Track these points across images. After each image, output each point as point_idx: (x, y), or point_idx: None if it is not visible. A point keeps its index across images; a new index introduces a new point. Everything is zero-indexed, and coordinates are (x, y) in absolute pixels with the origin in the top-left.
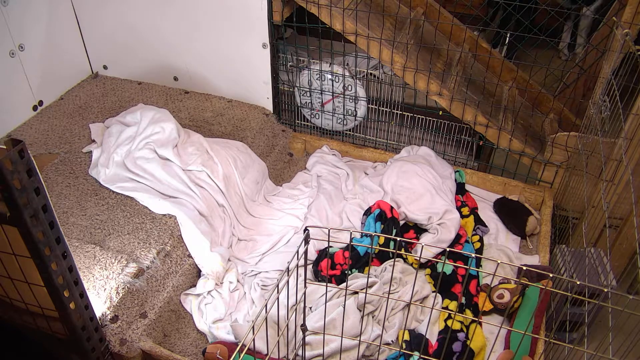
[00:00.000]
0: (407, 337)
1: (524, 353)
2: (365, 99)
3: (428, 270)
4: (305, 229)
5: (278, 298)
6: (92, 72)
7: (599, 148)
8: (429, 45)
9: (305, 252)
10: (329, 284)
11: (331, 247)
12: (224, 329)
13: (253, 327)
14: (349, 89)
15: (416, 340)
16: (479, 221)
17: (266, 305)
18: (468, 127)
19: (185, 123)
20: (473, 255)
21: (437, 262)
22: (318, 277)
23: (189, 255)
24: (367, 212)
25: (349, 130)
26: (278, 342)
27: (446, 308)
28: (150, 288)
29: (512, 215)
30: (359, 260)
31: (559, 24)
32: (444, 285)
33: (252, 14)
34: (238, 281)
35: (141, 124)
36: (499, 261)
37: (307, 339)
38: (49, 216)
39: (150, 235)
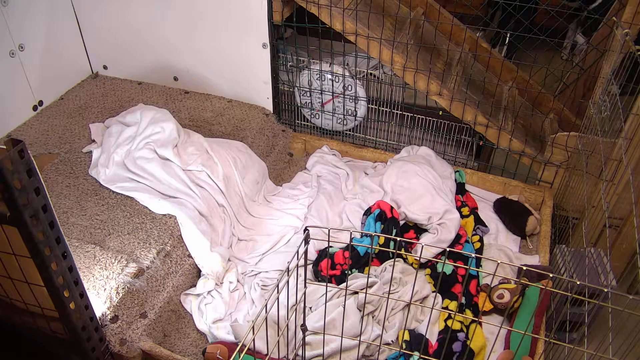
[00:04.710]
0: (407, 337)
1: (524, 353)
2: (365, 99)
3: (428, 270)
4: (305, 229)
5: (278, 298)
6: (92, 72)
7: (599, 148)
8: (429, 45)
9: (305, 252)
10: (329, 284)
11: (331, 247)
12: (224, 329)
13: (253, 327)
14: (349, 89)
15: (416, 340)
16: (479, 221)
17: (266, 305)
18: (468, 127)
19: (185, 123)
20: (473, 255)
21: (437, 262)
22: (318, 277)
23: (189, 255)
24: (367, 212)
25: (349, 130)
26: (278, 342)
27: (446, 308)
28: (150, 288)
29: (512, 215)
30: (359, 260)
31: (560, 24)
32: (444, 285)
33: (252, 14)
34: (238, 281)
35: (141, 124)
36: (499, 261)
37: (307, 339)
38: (49, 216)
39: (150, 235)
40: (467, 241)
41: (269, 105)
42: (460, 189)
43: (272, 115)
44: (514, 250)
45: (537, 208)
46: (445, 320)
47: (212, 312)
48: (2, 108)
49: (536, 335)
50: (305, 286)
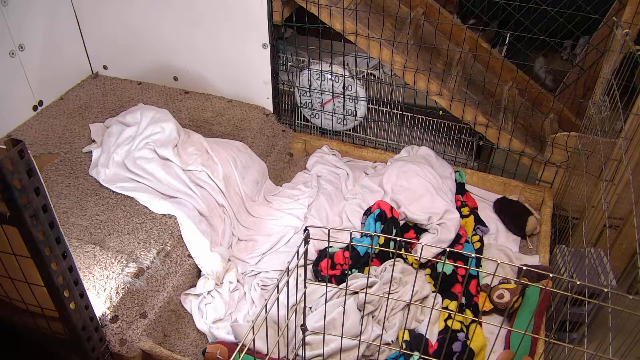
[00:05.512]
0: (407, 337)
1: (524, 353)
2: (365, 99)
3: (428, 270)
4: (305, 229)
5: (278, 298)
6: (92, 72)
7: (599, 148)
8: (429, 45)
9: (305, 252)
10: (329, 284)
11: (331, 247)
12: (224, 329)
13: (253, 327)
14: (349, 89)
15: (416, 340)
16: (479, 221)
17: (266, 305)
18: (468, 127)
19: (185, 123)
20: (473, 255)
21: (437, 262)
22: (318, 277)
23: (189, 255)
24: (367, 212)
25: (349, 130)
26: (278, 342)
27: (446, 308)
28: (150, 288)
29: (512, 215)
30: (359, 260)
31: (559, 24)
32: (444, 285)
33: (252, 14)
34: (238, 281)
35: (141, 124)
36: (499, 261)
37: (307, 339)
38: (49, 216)
39: (150, 235)
40: (467, 241)
41: (269, 105)
42: (460, 189)
43: (272, 115)
44: (514, 250)
45: (537, 208)
46: (445, 320)
47: (212, 312)
48: (2, 108)
49: (536, 335)
50: (305, 286)
